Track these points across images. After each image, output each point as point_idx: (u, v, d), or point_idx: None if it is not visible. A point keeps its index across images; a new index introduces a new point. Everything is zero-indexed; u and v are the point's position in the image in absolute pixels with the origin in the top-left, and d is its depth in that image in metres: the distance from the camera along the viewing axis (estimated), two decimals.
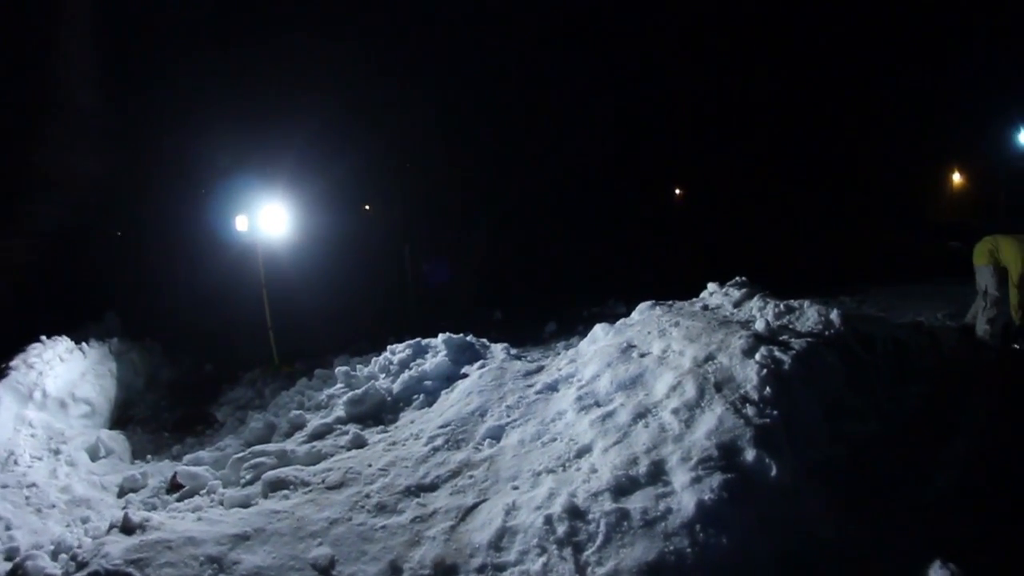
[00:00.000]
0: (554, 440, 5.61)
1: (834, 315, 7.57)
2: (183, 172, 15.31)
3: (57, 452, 6.86)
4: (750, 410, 5.30)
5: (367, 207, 21.01)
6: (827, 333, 7.19)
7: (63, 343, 8.69)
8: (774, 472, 4.71)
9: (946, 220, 29.90)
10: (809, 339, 6.65)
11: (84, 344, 9.18)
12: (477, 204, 22.19)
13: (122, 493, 6.50)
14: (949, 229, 23.33)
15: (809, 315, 7.73)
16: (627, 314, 8.40)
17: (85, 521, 5.60)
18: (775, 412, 5.33)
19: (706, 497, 4.39)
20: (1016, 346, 9.13)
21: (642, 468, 4.79)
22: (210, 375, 11.33)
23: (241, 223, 10.88)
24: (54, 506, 5.78)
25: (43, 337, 8.48)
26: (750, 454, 4.82)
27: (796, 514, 4.59)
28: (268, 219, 10.75)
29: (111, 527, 4.72)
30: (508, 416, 6.27)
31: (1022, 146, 25.20)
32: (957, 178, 35.40)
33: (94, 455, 7.25)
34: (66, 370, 8.32)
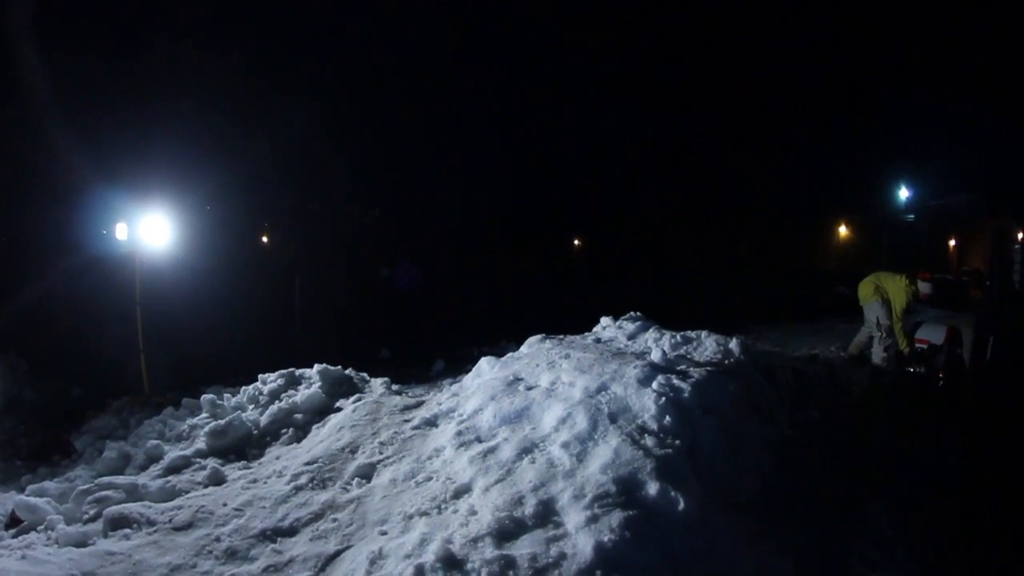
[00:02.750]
0: (430, 479, 5.09)
1: (733, 344, 7.56)
2: (53, 175, 14.31)
3: None
4: (649, 441, 4.95)
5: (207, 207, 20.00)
6: (726, 362, 7.14)
7: None
8: (681, 506, 4.31)
9: (833, 268, 32.22)
10: (709, 368, 6.47)
11: None
12: (374, 246, 21.83)
13: None
14: (836, 275, 25.10)
15: (707, 345, 7.66)
16: (514, 350, 8.06)
17: None
18: (677, 442, 5.03)
19: (605, 538, 3.92)
20: (910, 369, 9.98)
21: (529, 508, 4.30)
22: (76, 400, 10.41)
23: (120, 232, 10.05)
24: None
25: None
26: (653, 487, 4.41)
27: (708, 550, 4.20)
28: (150, 229, 9.90)
29: None
30: (381, 453, 5.78)
31: (902, 201, 28.24)
32: (843, 230, 38.37)
33: None
34: None
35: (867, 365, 10.61)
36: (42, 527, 5.32)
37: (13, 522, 5.54)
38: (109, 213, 10.32)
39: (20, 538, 5.17)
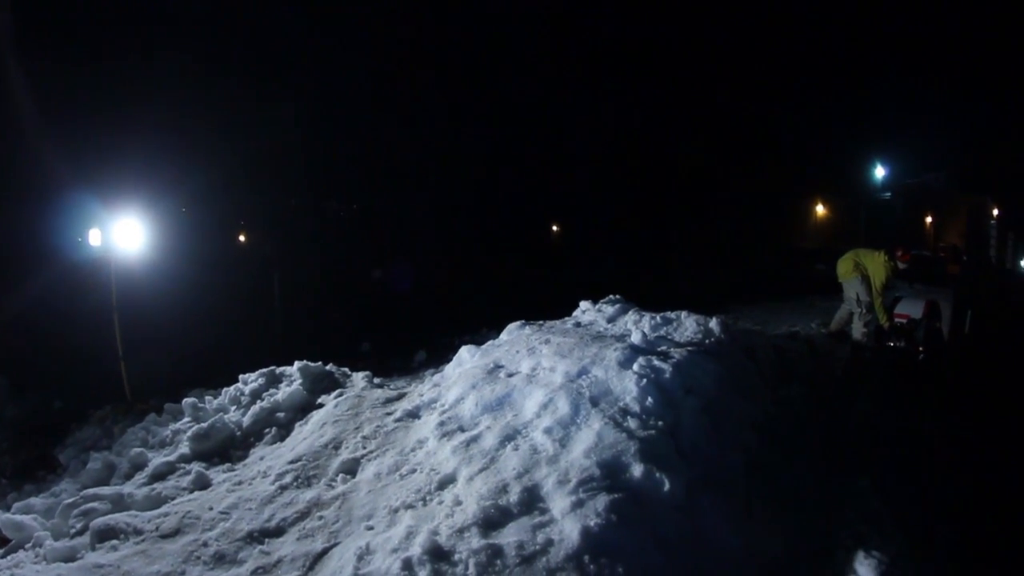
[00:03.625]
0: (414, 471, 5.07)
1: (713, 323, 7.57)
2: (27, 183, 14.12)
3: None
4: (632, 423, 4.94)
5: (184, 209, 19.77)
6: (707, 341, 7.15)
7: None
8: (666, 487, 4.33)
9: (811, 246, 32.40)
10: (689, 348, 6.46)
11: None
12: (355, 238, 21.72)
13: None
14: (814, 254, 25.28)
15: (687, 325, 7.65)
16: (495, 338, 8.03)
17: None
18: (660, 423, 5.03)
19: (591, 523, 3.92)
20: (891, 344, 10.13)
21: (514, 496, 4.29)
22: (59, 412, 10.27)
23: (94, 237, 9.94)
24: None
25: None
26: (637, 470, 4.42)
27: (695, 530, 4.22)
28: (124, 234, 9.77)
29: None
30: (364, 447, 5.74)
31: (877, 180, 28.56)
32: (821, 209, 38.74)
33: None
34: None
35: (848, 341, 10.76)
36: (30, 545, 5.24)
37: (1, 542, 5.49)
38: (84, 219, 10.16)
39: (9, 558, 5.13)
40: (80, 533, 5.22)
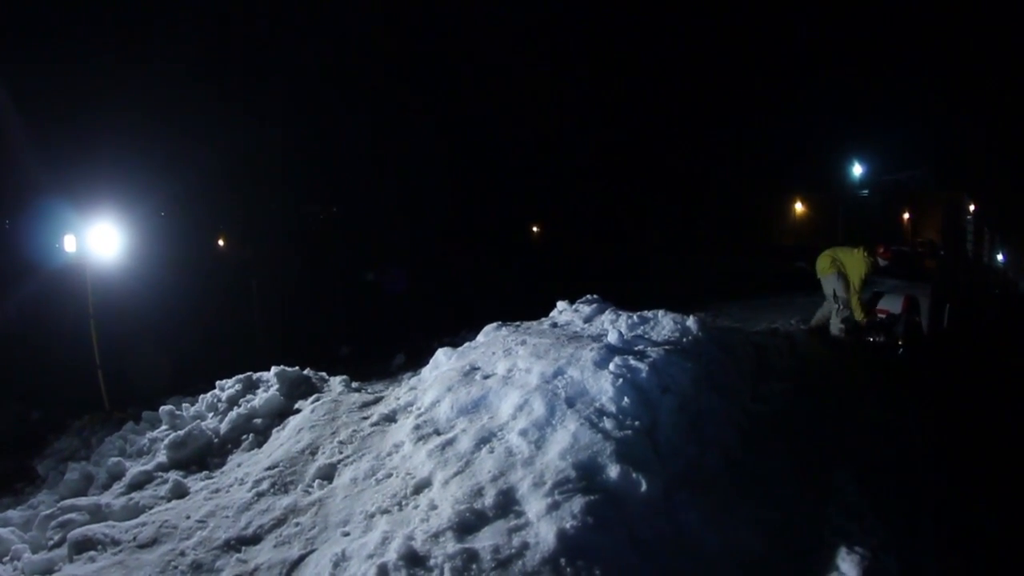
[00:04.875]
0: (390, 476, 5.06)
1: (691, 322, 7.58)
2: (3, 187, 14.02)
3: None
4: (608, 423, 4.92)
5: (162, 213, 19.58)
6: (685, 340, 7.13)
7: None
8: (643, 487, 4.32)
9: (790, 244, 32.62)
10: (667, 347, 6.46)
11: None
12: (335, 240, 21.65)
13: None
14: (793, 251, 25.51)
15: (664, 324, 7.65)
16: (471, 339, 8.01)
17: None
18: (636, 423, 5.01)
19: (567, 525, 3.91)
20: (871, 339, 10.38)
21: (489, 499, 4.28)
22: (36, 423, 10.15)
23: (69, 243, 9.87)
24: None
25: None
26: (614, 470, 4.41)
27: (673, 530, 4.22)
28: (99, 240, 9.67)
29: None
30: (341, 452, 5.71)
31: (855, 177, 28.90)
32: (799, 207, 38.96)
33: None
34: None
35: (827, 336, 10.89)
36: (7, 558, 5.22)
37: None
38: (61, 226, 10.07)
39: None
40: (58, 545, 5.20)
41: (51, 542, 5.31)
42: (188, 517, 5.05)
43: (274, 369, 8.31)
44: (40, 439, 9.16)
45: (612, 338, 6.49)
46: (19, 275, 13.25)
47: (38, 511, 6.17)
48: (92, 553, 4.76)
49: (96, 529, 5.04)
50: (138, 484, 6.34)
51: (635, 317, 7.93)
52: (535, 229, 36.92)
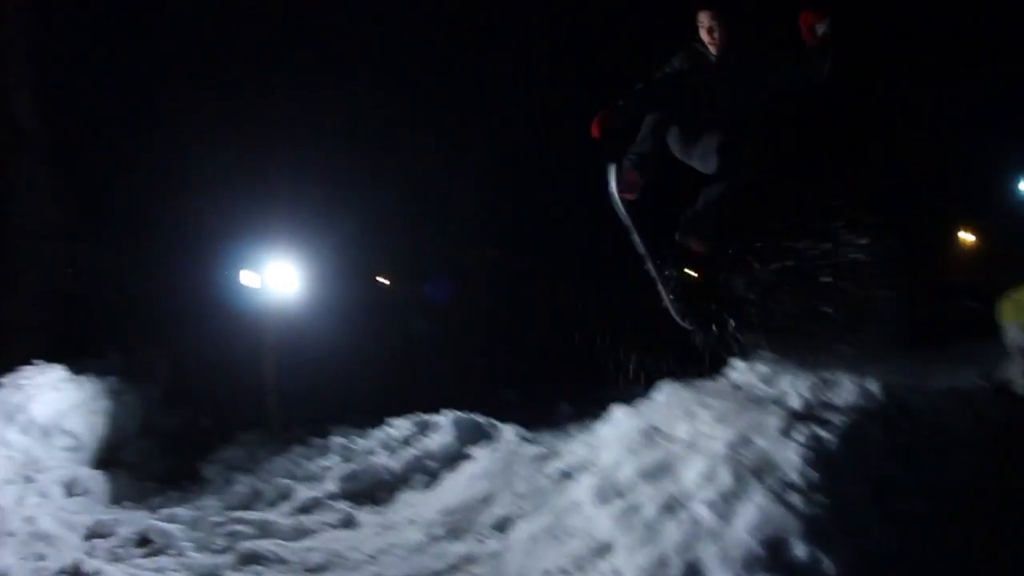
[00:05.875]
0: (569, 535, 4.92)
1: (874, 386, 7.16)
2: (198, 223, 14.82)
3: (30, 480, 6.58)
4: (794, 498, 4.65)
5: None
6: (868, 406, 6.73)
7: (58, 371, 8.35)
8: (824, 566, 4.05)
9: (958, 280, 29.63)
10: (851, 414, 6.12)
11: (82, 377, 8.73)
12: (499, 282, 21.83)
13: (90, 536, 5.96)
14: (963, 289, 23.33)
15: (846, 387, 7.28)
16: (643, 395, 7.87)
17: (40, 558, 5.13)
18: (822, 498, 4.71)
19: None
20: None
21: (674, 570, 4.10)
22: (205, 430, 10.73)
23: (251, 279, 10.50)
24: (13, 535, 5.38)
25: (37, 361, 8.27)
26: (800, 550, 4.14)
27: None
28: (277, 276, 10.34)
29: (60, 571, 4.48)
30: (516, 505, 5.66)
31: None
32: (965, 235, 34.93)
33: (70, 491, 6.89)
34: (57, 399, 7.96)
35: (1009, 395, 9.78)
36: (173, 551, 5.50)
37: (144, 541, 5.78)
38: (247, 263, 10.68)
39: (151, 559, 5.40)
40: (223, 551, 5.45)
41: (216, 547, 5.57)
42: (358, 550, 5.11)
43: (447, 413, 8.41)
44: (208, 445, 9.62)
45: (794, 402, 6.26)
46: (203, 304, 14.00)
47: (205, 514, 6.52)
48: (258, 567, 4.95)
49: (264, 545, 5.25)
50: (307, 508, 6.54)
51: (817, 380, 7.66)
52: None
